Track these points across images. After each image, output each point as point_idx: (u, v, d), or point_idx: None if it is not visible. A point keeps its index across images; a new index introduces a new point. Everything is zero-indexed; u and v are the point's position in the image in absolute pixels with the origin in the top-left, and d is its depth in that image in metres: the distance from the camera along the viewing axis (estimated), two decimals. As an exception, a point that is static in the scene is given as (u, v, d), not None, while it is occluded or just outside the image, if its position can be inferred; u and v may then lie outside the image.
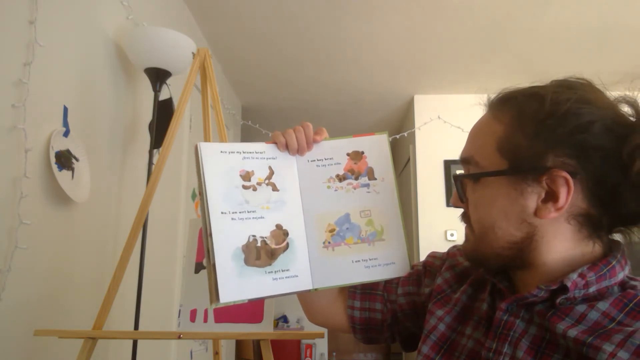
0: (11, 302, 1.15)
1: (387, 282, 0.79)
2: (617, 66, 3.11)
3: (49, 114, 1.33)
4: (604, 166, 0.55)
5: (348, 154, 0.74)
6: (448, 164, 3.63)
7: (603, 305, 0.54)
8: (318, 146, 0.73)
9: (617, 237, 0.62)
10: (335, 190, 0.71)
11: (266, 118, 4.11)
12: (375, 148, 0.75)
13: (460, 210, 0.67)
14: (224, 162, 0.65)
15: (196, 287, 1.19)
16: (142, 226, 1.52)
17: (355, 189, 0.72)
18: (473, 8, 2.46)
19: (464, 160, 0.65)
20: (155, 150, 1.70)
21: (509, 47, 2.88)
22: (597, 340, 0.50)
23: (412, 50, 2.96)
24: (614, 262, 0.57)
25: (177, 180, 2.33)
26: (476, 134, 0.65)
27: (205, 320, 1.16)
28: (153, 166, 1.63)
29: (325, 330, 5.29)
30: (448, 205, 3.58)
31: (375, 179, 0.74)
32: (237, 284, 0.62)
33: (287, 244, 0.66)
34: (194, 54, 1.65)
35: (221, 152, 0.66)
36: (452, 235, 3.51)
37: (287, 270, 0.66)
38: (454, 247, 0.79)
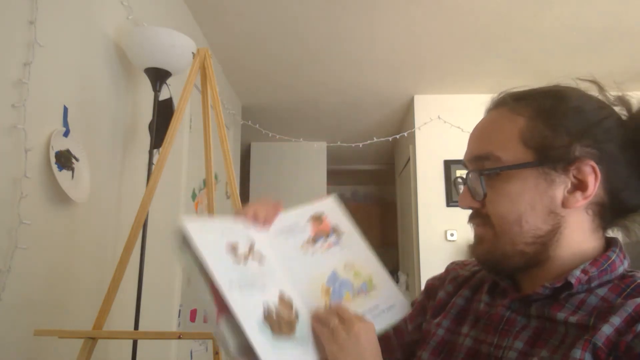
0: (11, 302, 1.15)
1: (395, 329, 0.76)
2: (617, 66, 3.11)
3: (49, 114, 1.33)
4: (619, 156, 0.59)
5: (310, 220, 0.74)
6: (448, 164, 3.63)
7: (602, 291, 0.57)
8: (279, 218, 0.72)
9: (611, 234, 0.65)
10: (313, 254, 0.72)
11: (266, 118, 4.11)
12: (331, 209, 0.77)
13: (467, 212, 0.65)
14: (211, 236, 0.64)
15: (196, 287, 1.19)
16: (142, 226, 1.52)
17: (329, 247, 0.73)
18: (473, 8, 2.46)
19: (479, 158, 0.63)
20: (155, 150, 1.70)
21: (509, 47, 2.88)
22: (597, 321, 0.53)
23: (412, 50, 2.96)
24: (613, 257, 0.59)
25: (177, 180, 2.33)
26: (491, 131, 0.64)
27: (205, 321, 1.16)
28: (153, 166, 1.63)
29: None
30: (448, 205, 3.58)
31: (343, 233, 0.75)
32: (276, 355, 0.60)
33: (296, 312, 0.65)
34: (194, 54, 1.66)
35: (205, 227, 0.65)
36: (452, 235, 3.51)
37: (305, 338, 0.65)
38: (452, 263, 0.79)
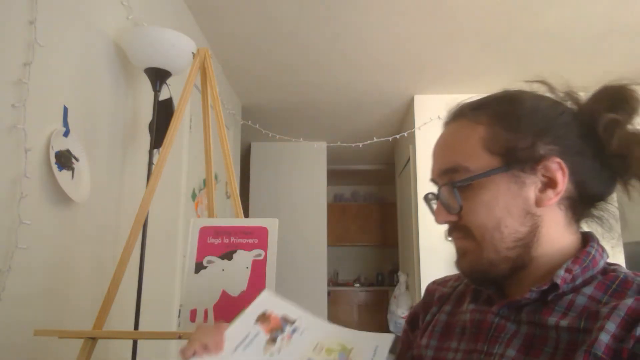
0: (11, 302, 1.15)
1: None
2: (617, 66, 3.11)
3: (49, 114, 1.33)
4: (580, 147, 0.60)
5: (257, 322, 0.72)
6: (448, 164, 3.62)
7: (588, 290, 0.57)
8: (228, 336, 0.68)
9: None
10: (279, 351, 0.70)
11: (266, 118, 4.11)
12: (271, 302, 0.75)
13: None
14: None
15: (196, 287, 1.19)
16: (142, 226, 1.52)
17: (290, 339, 0.71)
18: (473, 8, 2.46)
19: (446, 172, 0.63)
20: (155, 150, 1.70)
21: (509, 47, 2.88)
22: (588, 322, 0.53)
23: (412, 50, 2.96)
24: (593, 252, 0.60)
25: (177, 180, 2.34)
26: (453, 143, 0.64)
27: (205, 320, 1.16)
28: (153, 166, 1.63)
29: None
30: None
31: (295, 320, 0.73)
32: None
33: None
34: (194, 54, 1.66)
35: None
36: (452, 235, 3.51)
37: None
38: (432, 283, 0.79)
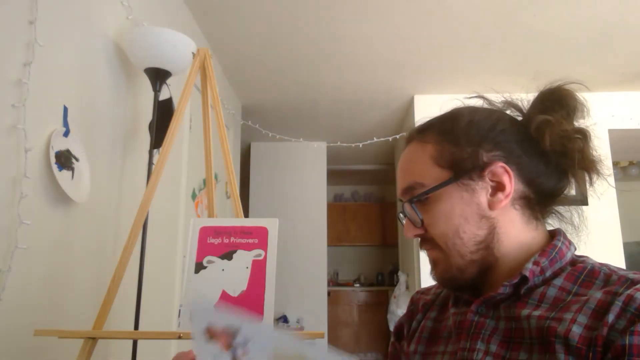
0: (11, 302, 1.15)
1: None
2: (616, 66, 3.11)
3: (49, 114, 1.33)
4: (521, 150, 0.65)
5: (208, 341, 0.68)
6: (448, 164, 3.63)
7: (558, 281, 0.61)
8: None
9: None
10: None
11: (266, 118, 4.11)
12: (205, 314, 0.68)
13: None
14: None
15: (196, 287, 1.19)
16: (142, 226, 1.52)
17: (246, 353, 0.69)
18: (473, 8, 2.46)
19: (407, 190, 0.68)
20: (155, 150, 1.70)
21: (509, 47, 2.88)
22: (559, 313, 0.56)
23: (412, 50, 2.96)
24: (559, 245, 0.64)
25: (177, 180, 2.33)
26: (408, 164, 0.70)
27: (205, 320, 1.16)
28: (153, 166, 1.63)
29: (325, 330, 5.28)
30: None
31: (238, 329, 0.70)
32: None
33: None
34: (194, 54, 1.66)
35: None
36: (452, 235, 3.51)
37: None
38: (416, 292, 0.83)
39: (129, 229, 1.35)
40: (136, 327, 1.57)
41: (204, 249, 1.20)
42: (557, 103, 0.65)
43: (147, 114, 1.87)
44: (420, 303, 0.79)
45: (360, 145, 3.93)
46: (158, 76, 1.72)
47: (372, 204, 7.09)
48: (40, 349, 1.26)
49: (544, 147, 0.64)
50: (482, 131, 0.66)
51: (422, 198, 0.66)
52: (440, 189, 0.65)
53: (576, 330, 0.53)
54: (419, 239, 0.69)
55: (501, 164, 0.63)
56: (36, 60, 1.24)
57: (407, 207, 0.68)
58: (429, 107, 3.71)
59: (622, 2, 2.40)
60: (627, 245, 3.37)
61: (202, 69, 1.63)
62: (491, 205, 0.64)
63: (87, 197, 1.45)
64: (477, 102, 0.73)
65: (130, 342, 1.63)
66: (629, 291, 0.53)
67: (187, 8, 2.46)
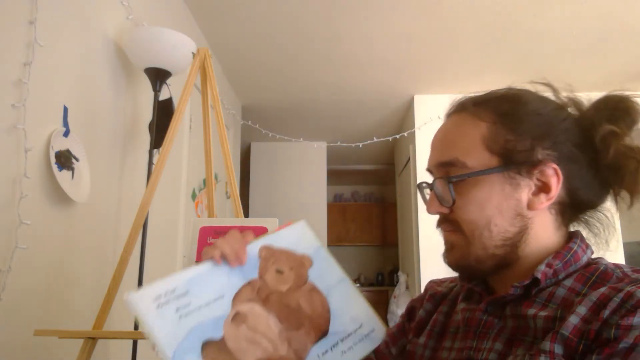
0: (11, 302, 1.15)
1: (377, 353, 0.76)
2: (617, 66, 3.11)
3: (49, 114, 1.33)
4: (576, 155, 0.60)
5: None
6: (448, 164, 3.62)
7: (568, 282, 0.58)
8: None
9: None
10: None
11: (266, 118, 4.11)
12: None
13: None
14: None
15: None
16: (142, 226, 1.52)
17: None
18: (473, 8, 2.46)
19: (444, 164, 0.63)
20: (155, 150, 1.70)
21: (510, 46, 2.88)
22: (565, 312, 0.55)
23: (412, 50, 2.96)
24: (575, 247, 0.61)
25: (177, 180, 2.34)
26: (455, 135, 0.64)
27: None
28: (153, 166, 1.63)
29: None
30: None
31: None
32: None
33: None
34: (194, 54, 1.66)
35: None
36: (452, 235, 3.51)
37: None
38: (430, 281, 0.81)
39: (129, 229, 1.35)
40: (136, 327, 1.57)
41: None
42: (625, 114, 0.61)
43: (147, 114, 1.87)
44: (430, 292, 0.77)
45: (360, 145, 3.93)
46: (158, 76, 1.72)
47: (372, 204, 7.09)
48: (40, 348, 1.26)
49: (606, 159, 0.59)
50: (547, 126, 0.61)
51: (460, 179, 0.61)
52: (484, 175, 0.60)
53: (572, 321, 0.52)
54: (438, 216, 0.66)
55: (554, 165, 0.59)
56: (36, 60, 1.24)
57: (441, 183, 0.63)
58: (429, 107, 3.71)
59: (622, 2, 2.40)
60: (627, 245, 3.37)
61: (202, 69, 1.63)
62: (530, 205, 0.60)
63: (87, 197, 1.45)
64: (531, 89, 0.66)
65: (130, 342, 1.63)
66: (630, 288, 0.52)
67: (187, 8, 2.46)
